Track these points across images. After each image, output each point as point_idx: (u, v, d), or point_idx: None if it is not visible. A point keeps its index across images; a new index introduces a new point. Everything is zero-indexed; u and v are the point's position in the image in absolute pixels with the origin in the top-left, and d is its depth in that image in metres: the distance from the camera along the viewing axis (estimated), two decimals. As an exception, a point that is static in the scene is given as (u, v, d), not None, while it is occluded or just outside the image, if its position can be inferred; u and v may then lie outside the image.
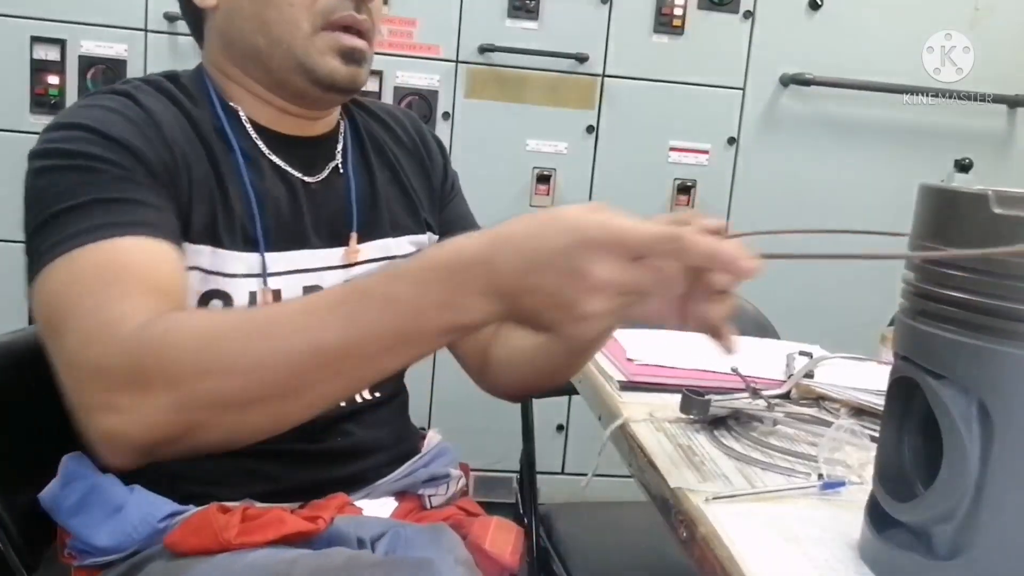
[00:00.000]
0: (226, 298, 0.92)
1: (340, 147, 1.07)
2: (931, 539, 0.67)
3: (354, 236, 1.03)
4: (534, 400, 1.58)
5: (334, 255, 1.02)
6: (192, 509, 0.89)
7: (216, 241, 0.91)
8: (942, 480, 0.66)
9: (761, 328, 1.60)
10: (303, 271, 0.98)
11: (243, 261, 0.93)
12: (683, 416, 1.06)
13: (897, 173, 2.61)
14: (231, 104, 0.99)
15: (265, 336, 0.66)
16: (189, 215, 0.89)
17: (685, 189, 2.63)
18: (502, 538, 1.06)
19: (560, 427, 2.60)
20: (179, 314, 0.73)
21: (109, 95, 0.90)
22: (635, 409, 1.09)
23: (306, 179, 1.01)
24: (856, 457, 0.95)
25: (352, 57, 0.96)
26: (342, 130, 1.08)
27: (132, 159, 0.83)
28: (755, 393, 1.09)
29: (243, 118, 0.99)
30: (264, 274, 0.94)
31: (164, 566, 0.86)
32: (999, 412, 0.63)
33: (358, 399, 1.04)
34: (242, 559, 0.83)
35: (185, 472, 0.89)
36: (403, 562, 0.80)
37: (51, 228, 0.78)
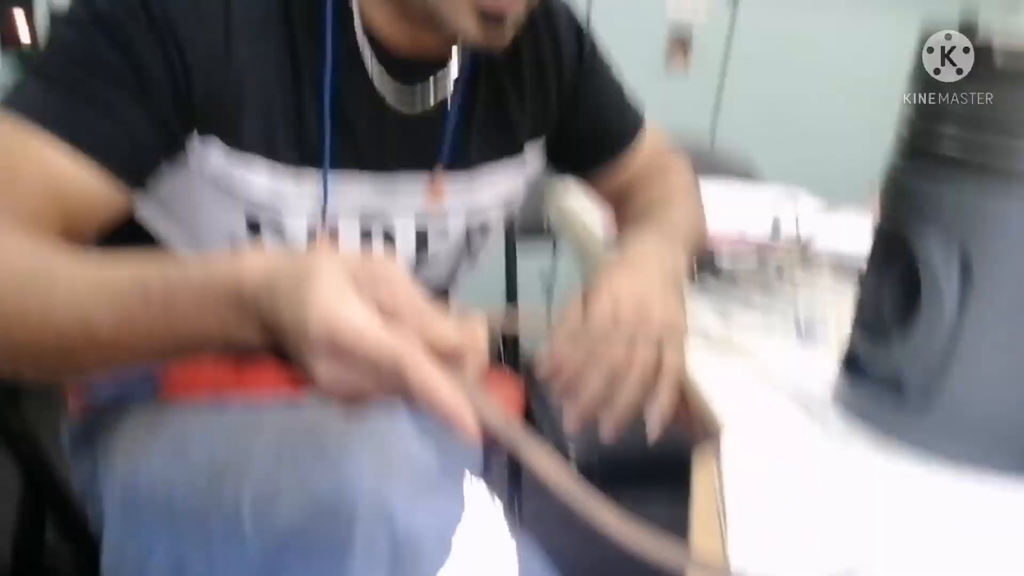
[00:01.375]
0: (279, 232, 0.80)
1: (455, 76, 0.88)
2: (903, 386, 0.69)
3: (441, 174, 0.88)
4: (520, 257, 1.58)
5: (413, 190, 0.88)
6: None
7: (272, 152, 0.78)
8: (918, 328, 0.67)
9: (746, 172, 1.58)
10: (371, 216, 0.85)
11: (302, 183, 0.80)
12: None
13: (901, 31, 2.54)
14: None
15: (41, 301, 0.61)
16: (236, 120, 0.76)
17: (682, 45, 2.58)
18: (499, 392, 1.08)
19: (545, 281, 2.61)
20: (5, 243, 0.65)
21: None
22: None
23: (402, 109, 0.85)
24: (836, 304, 0.96)
25: (495, 18, 0.77)
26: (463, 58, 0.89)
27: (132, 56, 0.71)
28: (763, 256, 1.09)
29: (356, 19, 0.81)
30: (324, 204, 0.81)
31: (149, 404, 0.87)
32: (979, 260, 0.63)
33: None
34: (222, 409, 0.84)
35: None
36: (376, 412, 0.80)
37: (26, 80, 0.73)
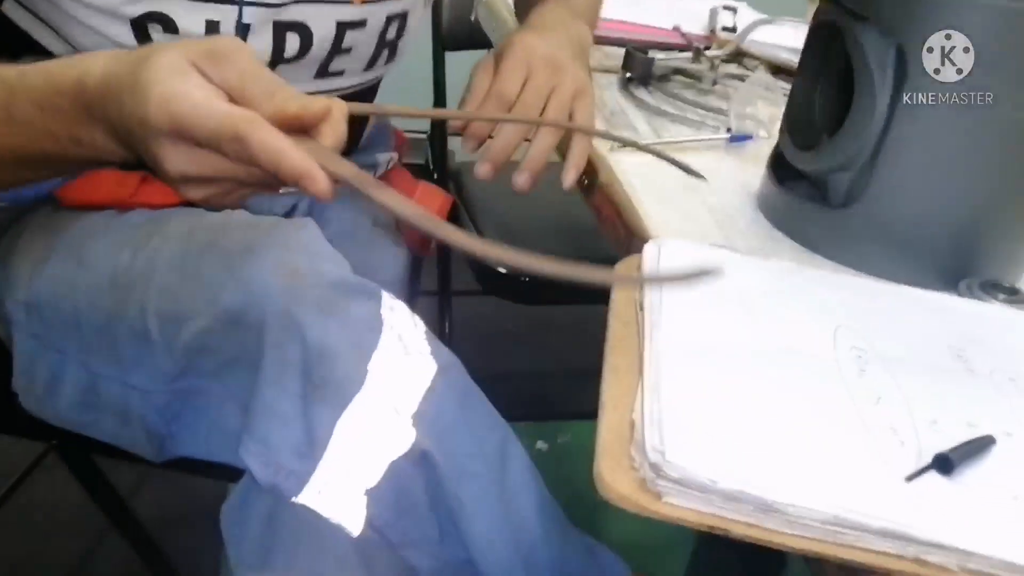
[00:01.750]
0: (167, 23, 0.71)
1: None
2: (828, 188, 0.67)
3: None
4: (450, 57, 1.52)
5: None
6: None
7: None
8: (848, 128, 0.64)
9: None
10: (282, 4, 0.76)
11: None
12: (597, 67, 1.02)
13: None
14: None
15: None
16: None
17: None
18: (426, 204, 1.05)
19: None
20: None
21: None
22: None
23: None
24: (767, 112, 0.93)
25: None
26: None
27: None
28: (698, 53, 1.04)
29: None
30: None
31: (47, 214, 0.82)
32: (915, 57, 0.60)
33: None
34: (124, 216, 0.79)
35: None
36: (284, 222, 0.76)
37: None
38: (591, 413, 0.48)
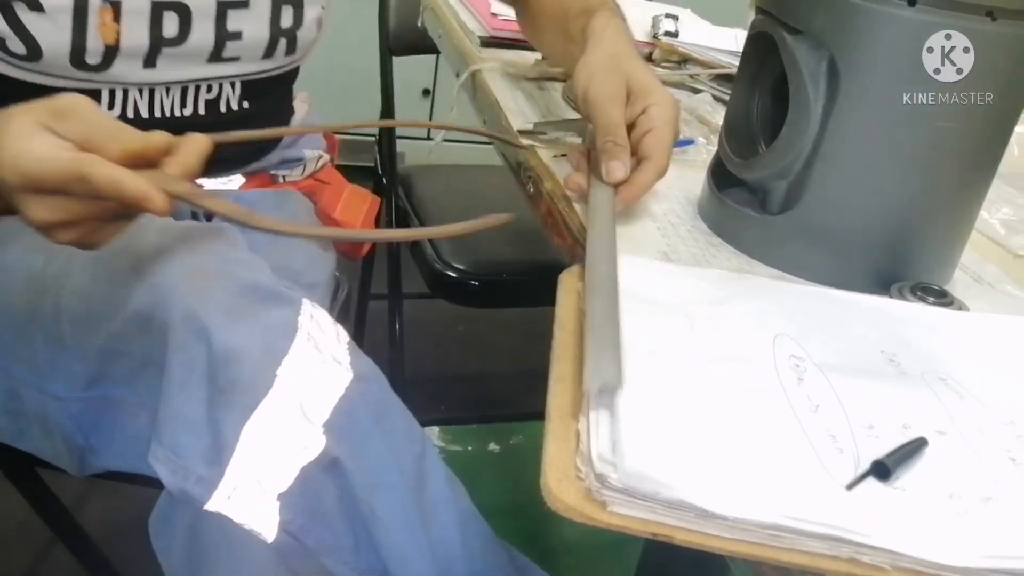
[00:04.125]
0: (31, 1, 0.71)
1: None
2: (766, 196, 0.69)
3: None
4: (396, 60, 1.52)
5: None
6: None
7: None
8: (784, 137, 0.66)
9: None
10: None
11: None
12: (544, 74, 1.03)
13: None
14: None
15: None
16: None
17: None
18: (354, 206, 1.04)
19: (426, 91, 2.54)
20: None
21: None
22: (494, 64, 1.05)
23: None
24: (710, 121, 0.95)
25: None
26: None
27: None
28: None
29: None
30: None
31: None
32: (846, 68, 0.62)
33: (223, 108, 0.90)
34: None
35: None
36: (199, 226, 0.75)
37: None
38: (543, 414, 0.49)
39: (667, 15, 1.18)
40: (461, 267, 1.32)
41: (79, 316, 0.72)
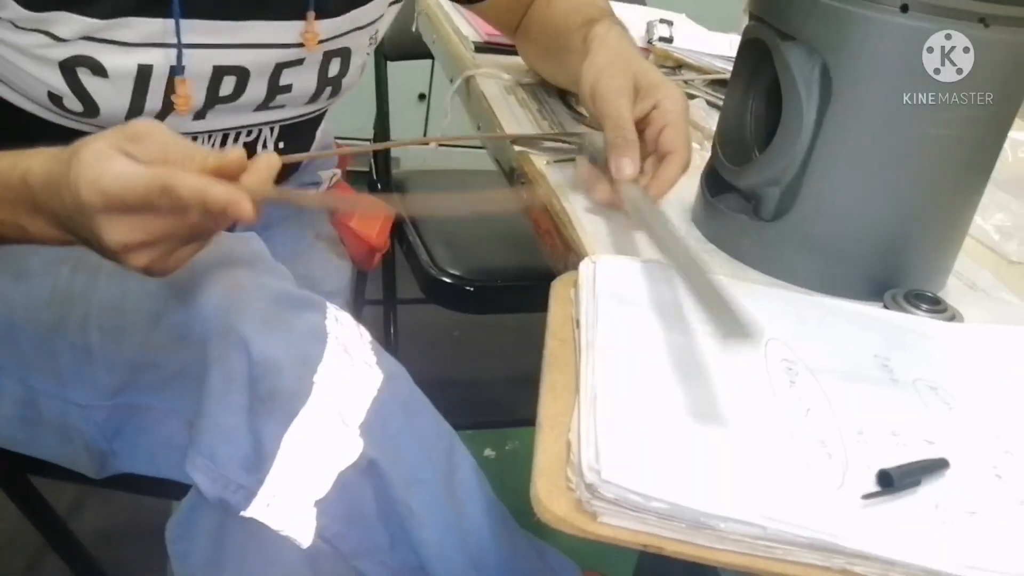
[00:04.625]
0: (95, 67, 0.70)
1: None
2: (759, 202, 0.69)
3: (311, 14, 0.78)
4: (391, 64, 1.52)
5: (288, 30, 0.78)
6: None
7: (85, 6, 0.67)
8: (777, 143, 0.66)
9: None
10: (227, 46, 0.75)
11: (138, 28, 0.70)
12: (536, 78, 1.03)
13: None
14: None
15: None
16: None
17: None
18: (371, 217, 1.05)
19: (422, 96, 2.53)
20: None
21: None
22: (488, 70, 1.05)
23: None
24: (704, 127, 0.95)
25: None
26: None
27: None
28: None
29: None
30: (179, 43, 0.71)
31: None
32: (839, 74, 0.61)
33: (259, 149, 0.88)
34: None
35: None
36: (227, 236, 0.74)
37: None
38: (538, 420, 0.48)
39: (661, 20, 1.18)
40: (456, 272, 1.32)
41: (109, 328, 0.72)
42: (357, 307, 1.66)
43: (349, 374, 0.69)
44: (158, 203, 0.53)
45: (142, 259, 0.56)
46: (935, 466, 0.47)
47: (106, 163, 0.53)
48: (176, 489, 0.71)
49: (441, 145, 1.09)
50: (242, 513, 0.65)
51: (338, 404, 0.67)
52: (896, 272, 0.67)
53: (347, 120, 2.14)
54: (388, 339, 1.56)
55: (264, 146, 0.88)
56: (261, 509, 0.65)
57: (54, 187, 0.55)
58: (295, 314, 0.69)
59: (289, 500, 0.65)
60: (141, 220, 0.54)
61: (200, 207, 0.52)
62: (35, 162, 0.57)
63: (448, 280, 1.31)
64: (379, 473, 0.68)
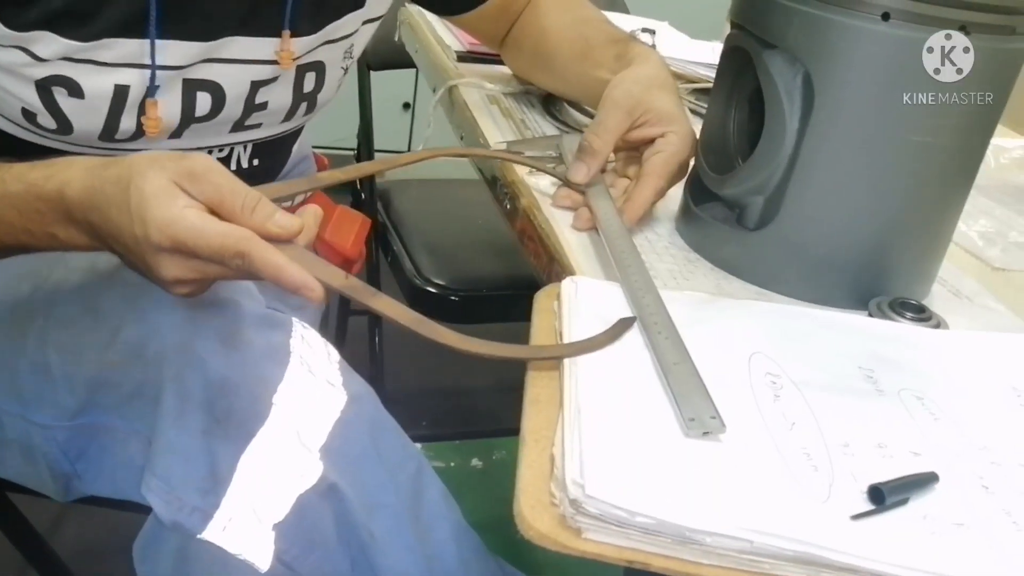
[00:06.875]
0: (72, 87, 0.70)
1: None
2: (743, 211, 0.68)
3: (286, 32, 0.78)
4: (375, 74, 1.51)
5: (263, 47, 0.78)
6: None
7: (68, 29, 0.67)
8: (760, 152, 0.65)
9: (610, 2, 1.54)
10: (202, 63, 0.75)
11: (116, 48, 0.70)
12: (519, 87, 1.02)
13: None
14: None
15: None
16: None
17: None
18: (345, 228, 1.04)
19: (407, 105, 2.53)
20: None
21: None
22: (471, 79, 1.04)
23: None
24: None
25: None
26: None
27: None
28: None
29: None
30: (152, 64, 0.71)
31: None
32: (821, 83, 0.61)
33: (232, 167, 0.88)
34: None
35: None
36: None
37: None
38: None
39: (644, 29, 1.18)
40: (441, 282, 1.31)
41: (66, 345, 0.71)
42: (342, 317, 1.66)
43: (311, 395, 0.67)
44: (229, 263, 0.54)
45: (186, 289, 0.58)
46: (925, 480, 0.47)
47: (173, 206, 0.54)
48: (148, 507, 0.70)
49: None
50: (198, 536, 0.64)
51: (297, 426, 0.66)
52: (881, 280, 0.66)
53: (330, 130, 2.14)
54: (374, 350, 1.55)
55: (238, 164, 0.88)
56: (217, 532, 0.64)
57: (100, 205, 0.56)
58: (256, 332, 0.68)
59: (246, 523, 0.64)
60: (202, 264, 0.56)
61: (273, 282, 0.54)
62: (72, 175, 0.58)
63: (433, 290, 1.30)
64: (340, 497, 0.66)
